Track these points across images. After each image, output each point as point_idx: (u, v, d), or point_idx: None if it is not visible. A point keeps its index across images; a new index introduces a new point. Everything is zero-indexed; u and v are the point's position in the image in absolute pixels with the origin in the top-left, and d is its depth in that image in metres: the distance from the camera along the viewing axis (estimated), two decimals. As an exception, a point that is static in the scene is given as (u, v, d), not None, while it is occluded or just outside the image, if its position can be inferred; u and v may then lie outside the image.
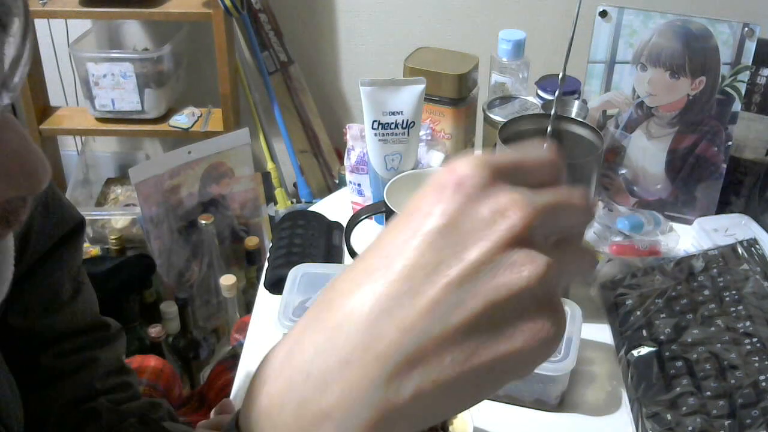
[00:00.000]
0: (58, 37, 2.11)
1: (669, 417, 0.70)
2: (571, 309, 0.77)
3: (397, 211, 0.83)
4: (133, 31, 2.19)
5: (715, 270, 0.84)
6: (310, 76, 2.23)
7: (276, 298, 0.89)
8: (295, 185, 2.25)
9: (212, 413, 0.81)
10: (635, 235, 0.96)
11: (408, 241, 0.32)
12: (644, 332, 0.80)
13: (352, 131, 1.01)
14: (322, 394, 0.32)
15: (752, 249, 0.85)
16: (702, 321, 0.78)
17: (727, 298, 0.80)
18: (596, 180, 0.82)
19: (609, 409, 0.77)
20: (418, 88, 0.90)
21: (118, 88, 1.97)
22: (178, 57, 2.07)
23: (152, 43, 2.18)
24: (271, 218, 1.95)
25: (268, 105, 2.16)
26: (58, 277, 0.67)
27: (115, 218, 1.92)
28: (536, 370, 0.35)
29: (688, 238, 0.98)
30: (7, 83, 0.32)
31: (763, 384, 0.69)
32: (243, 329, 1.15)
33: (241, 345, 1.05)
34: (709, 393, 0.71)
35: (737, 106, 0.93)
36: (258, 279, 1.22)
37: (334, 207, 1.08)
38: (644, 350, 0.78)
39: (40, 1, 1.87)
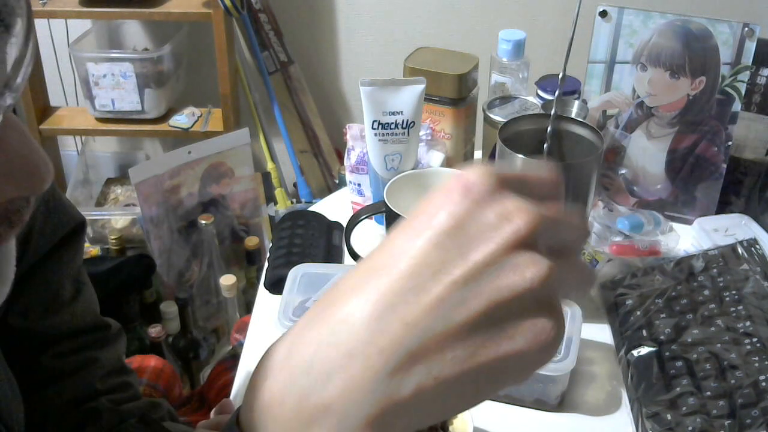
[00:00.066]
0: (58, 37, 2.11)
1: (669, 417, 0.70)
2: (571, 309, 0.77)
3: (397, 211, 0.84)
4: (133, 31, 2.19)
5: (715, 270, 0.84)
6: (310, 76, 2.23)
7: (276, 298, 0.89)
8: (295, 185, 2.25)
9: (212, 413, 0.81)
10: (635, 235, 0.96)
11: (414, 241, 0.33)
12: (644, 332, 0.80)
13: (352, 131, 1.01)
14: (323, 387, 0.33)
15: (752, 249, 0.85)
16: (702, 321, 0.78)
17: (727, 298, 0.80)
18: (596, 180, 0.82)
19: (609, 409, 0.77)
20: (418, 88, 0.90)
21: (118, 88, 1.97)
22: (178, 57, 2.07)
23: (152, 43, 2.18)
24: (271, 218, 1.96)
25: (268, 105, 2.16)
26: (58, 278, 0.67)
27: (115, 218, 1.92)
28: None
29: (688, 238, 0.98)
30: (10, 84, 0.32)
31: (763, 384, 0.69)
32: (243, 329, 1.15)
33: (241, 345, 1.05)
34: (709, 393, 0.71)
35: (737, 106, 0.93)
36: (258, 279, 1.22)
37: (334, 207, 1.08)
38: (644, 350, 0.78)
39: (40, 1, 1.87)
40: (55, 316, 0.68)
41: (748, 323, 0.76)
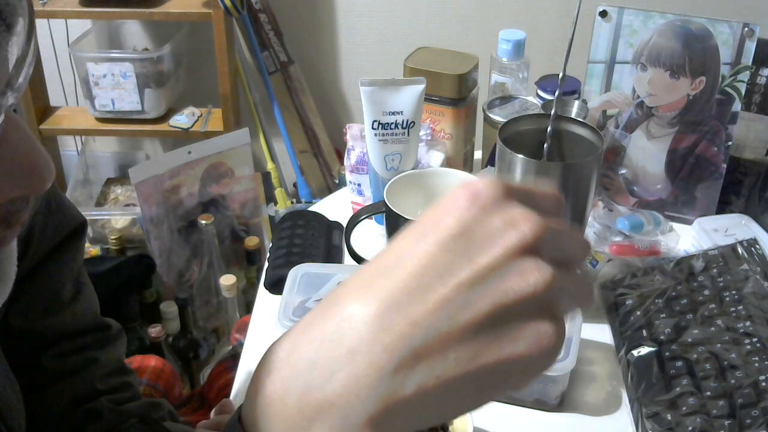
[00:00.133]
0: (58, 37, 2.11)
1: (669, 417, 0.70)
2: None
3: (397, 211, 0.84)
4: (133, 31, 2.19)
5: (715, 270, 0.84)
6: (310, 76, 2.23)
7: (276, 298, 0.90)
8: (295, 185, 2.25)
9: (212, 413, 0.81)
10: (635, 235, 0.96)
11: (421, 244, 0.34)
12: (644, 332, 0.80)
13: (352, 131, 1.02)
14: (326, 383, 0.33)
15: (752, 249, 0.85)
16: (702, 321, 0.78)
17: (727, 298, 0.80)
18: (596, 180, 0.82)
19: (609, 409, 0.77)
20: (418, 88, 0.90)
21: (118, 88, 1.97)
22: (178, 57, 2.07)
23: (152, 43, 2.18)
24: (271, 218, 1.96)
25: (268, 105, 2.16)
26: (59, 278, 0.68)
27: (115, 218, 1.92)
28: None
29: (688, 238, 0.98)
30: (12, 83, 0.32)
31: (763, 384, 0.69)
32: (243, 329, 1.15)
33: (241, 345, 1.05)
34: (709, 393, 0.71)
35: (737, 106, 0.93)
36: (258, 279, 1.22)
37: (334, 207, 1.08)
38: (644, 350, 0.78)
39: (41, 1, 1.87)
40: (55, 317, 0.68)
41: (748, 323, 0.76)
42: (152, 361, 1.15)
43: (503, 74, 1.10)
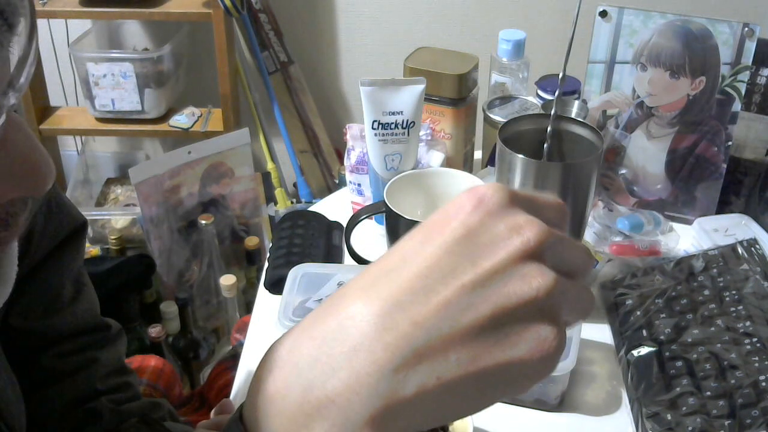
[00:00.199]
0: (58, 37, 2.11)
1: (669, 417, 0.70)
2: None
3: (398, 211, 0.84)
4: (133, 31, 2.19)
5: (715, 270, 0.84)
6: (310, 76, 2.23)
7: (276, 298, 0.89)
8: (295, 185, 2.25)
9: (212, 413, 0.81)
10: (635, 235, 0.96)
11: (426, 247, 0.34)
12: (644, 332, 0.80)
13: (352, 131, 1.02)
14: (327, 380, 0.33)
15: (752, 249, 0.85)
16: (702, 321, 0.78)
17: (727, 298, 0.80)
18: (596, 180, 0.82)
19: (609, 409, 0.77)
20: (418, 88, 0.90)
21: (118, 88, 1.97)
22: (178, 57, 2.07)
23: (152, 43, 2.18)
24: (271, 218, 1.96)
25: (268, 105, 2.16)
26: (59, 279, 0.68)
27: (115, 218, 1.92)
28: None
29: (688, 238, 0.98)
30: (14, 83, 0.32)
31: (763, 384, 0.69)
32: (243, 329, 1.15)
33: (241, 345, 1.05)
34: (709, 393, 0.71)
35: (737, 106, 0.93)
36: (258, 279, 1.22)
37: (334, 207, 1.08)
38: (644, 350, 0.78)
39: (41, 1, 1.87)
40: (55, 317, 0.68)
41: (748, 323, 0.76)
42: (152, 361, 1.15)
43: (503, 74, 1.10)
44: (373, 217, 0.98)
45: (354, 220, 0.89)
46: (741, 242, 0.87)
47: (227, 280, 1.58)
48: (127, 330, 0.82)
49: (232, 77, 2.03)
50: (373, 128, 0.91)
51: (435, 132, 1.03)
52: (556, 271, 0.34)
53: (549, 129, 0.83)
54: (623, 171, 1.02)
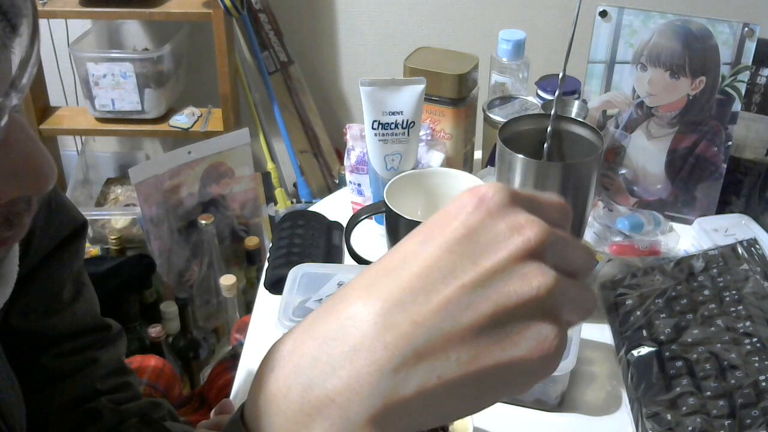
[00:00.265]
0: (58, 37, 2.11)
1: (669, 417, 0.70)
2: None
3: (398, 211, 0.84)
4: (133, 31, 2.19)
5: (715, 270, 0.84)
6: (310, 76, 2.23)
7: (276, 298, 0.90)
8: (295, 185, 2.25)
9: (212, 413, 0.81)
10: (635, 235, 0.96)
11: (426, 246, 0.34)
12: (644, 332, 0.80)
13: (352, 131, 1.02)
14: (328, 379, 0.33)
15: (752, 249, 0.85)
16: (702, 321, 0.78)
17: (727, 298, 0.80)
18: (596, 180, 0.82)
19: (609, 409, 0.77)
20: (418, 88, 0.90)
21: (118, 88, 1.97)
22: (178, 57, 2.07)
23: (152, 43, 2.18)
24: (271, 218, 1.96)
25: (268, 105, 2.16)
26: (59, 279, 0.68)
27: (115, 218, 1.92)
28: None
29: (688, 238, 0.98)
30: (16, 84, 0.32)
31: (763, 384, 0.69)
32: (243, 329, 1.15)
33: (241, 345, 1.05)
34: (709, 393, 0.71)
35: (737, 106, 0.93)
36: (258, 279, 1.22)
37: (334, 207, 1.08)
38: (644, 350, 0.78)
39: (41, 1, 1.87)
40: (55, 317, 0.68)
41: (748, 323, 0.76)
42: (152, 361, 1.15)
43: (503, 74, 1.10)
44: (373, 217, 0.98)
45: (354, 220, 0.89)
46: (741, 242, 0.87)
47: (227, 280, 1.58)
48: (127, 330, 0.82)
49: (232, 77, 2.04)
50: (373, 128, 0.91)
51: (435, 132, 1.03)
52: (558, 270, 0.34)
53: (549, 129, 0.83)
54: (623, 171, 1.02)
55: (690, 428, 0.68)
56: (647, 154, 1.00)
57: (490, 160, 1.06)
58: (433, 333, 0.32)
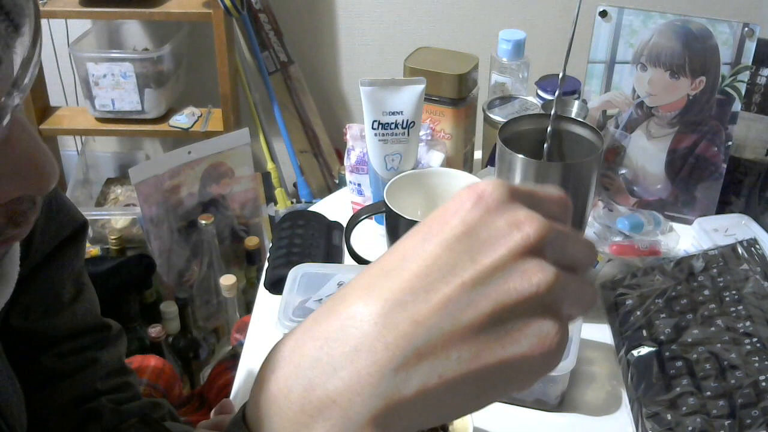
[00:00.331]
0: (58, 37, 2.11)
1: (669, 417, 0.70)
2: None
3: (397, 211, 0.84)
4: (133, 31, 2.19)
5: (715, 270, 0.84)
6: (310, 76, 2.23)
7: (276, 298, 0.90)
8: (295, 185, 2.25)
9: (212, 413, 0.81)
10: (635, 235, 0.96)
11: (426, 244, 0.34)
12: (644, 332, 0.80)
13: (352, 131, 1.02)
14: (329, 380, 0.33)
15: (752, 249, 0.85)
16: (702, 321, 0.78)
17: (727, 298, 0.80)
18: (596, 180, 0.82)
19: (609, 409, 0.77)
20: (418, 88, 0.90)
21: (118, 88, 1.97)
22: (178, 57, 2.07)
23: (152, 43, 2.18)
24: (271, 218, 1.96)
25: (268, 105, 2.16)
26: (59, 279, 0.68)
27: (115, 218, 1.92)
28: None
29: (688, 238, 0.98)
30: (18, 83, 0.33)
31: (763, 384, 0.69)
32: (243, 329, 1.15)
33: (241, 345, 1.05)
34: (709, 393, 0.71)
35: (737, 106, 0.93)
36: (258, 279, 1.22)
37: (334, 207, 1.08)
38: (644, 350, 0.78)
39: (41, 1, 1.87)
40: (55, 317, 0.68)
41: (748, 323, 0.76)
42: (152, 361, 1.15)
43: (503, 74, 1.10)
44: (373, 217, 0.98)
45: (354, 220, 0.89)
46: (741, 242, 0.87)
47: (227, 280, 1.58)
48: (127, 330, 0.82)
49: (232, 77, 2.04)
50: (373, 128, 0.91)
51: (435, 132, 1.03)
52: (558, 265, 0.34)
53: (549, 129, 0.83)
54: (623, 171, 1.02)
55: (690, 428, 0.68)
56: (647, 154, 1.00)
57: (490, 160, 1.06)
58: (434, 332, 0.32)
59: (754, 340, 0.74)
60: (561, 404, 0.76)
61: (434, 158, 1.02)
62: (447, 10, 2.16)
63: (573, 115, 0.93)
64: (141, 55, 2.01)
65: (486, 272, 0.33)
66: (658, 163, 1.00)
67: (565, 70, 0.80)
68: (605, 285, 0.89)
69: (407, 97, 0.90)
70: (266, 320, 0.89)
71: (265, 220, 1.90)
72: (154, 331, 1.52)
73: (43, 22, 2.03)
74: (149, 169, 1.61)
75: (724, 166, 0.97)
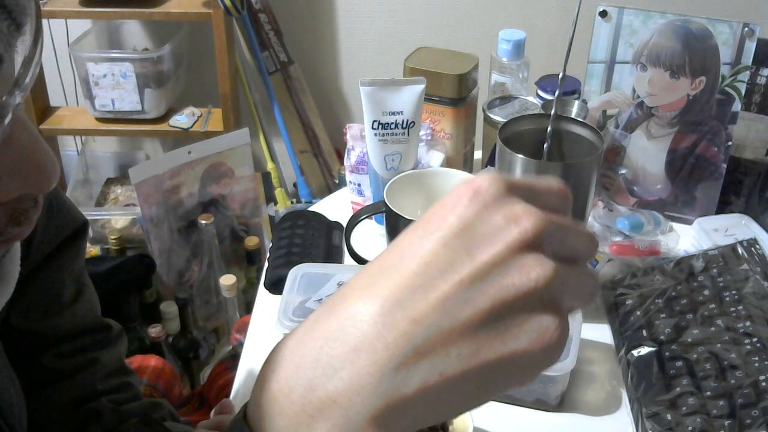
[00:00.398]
0: (58, 37, 2.11)
1: (669, 417, 0.70)
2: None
3: (398, 211, 0.84)
4: (133, 31, 2.19)
5: (715, 270, 0.84)
6: (310, 76, 2.23)
7: (276, 298, 0.90)
8: (295, 185, 2.25)
9: (212, 413, 0.81)
10: (635, 235, 0.96)
11: (423, 242, 0.34)
12: (644, 332, 0.80)
13: (352, 131, 1.02)
14: (329, 380, 0.33)
15: (752, 249, 0.85)
16: (702, 321, 0.78)
17: (727, 298, 0.80)
18: (596, 180, 0.82)
19: (609, 409, 0.77)
20: (418, 88, 0.90)
21: (118, 88, 1.97)
22: (178, 57, 2.07)
23: (152, 43, 2.18)
24: (271, 218, 1.96)
25: (268, 105, 2.16)
26: (60, 279, 0.68)
27: (115, 218, 1.92)
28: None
29: (688, 238, 0.98)
30: (20, 83, 0.33)
31: (763, 384, 0.69)
32: (243, 329, 1.15)
33: (241, 345, 1.05)
34: (709, 393, 0.71)
35: (737, 106, 0.93)
36: (258, 279, 1.22)
37: (334, 207, 1.08)
38: (644, 350, 0.78)
39: (41, 1, 1.87)
40: (56, 317, 0.68)
41: (748, 323, 0.76)
42: (152, 361, 1.15)
43: (503, 74, 1.10)
44: (373, 217, 0.98)
45: (354, 220, 0.89)
46: (741, 242, 0.87)
47: (227, 280, 1.58)
48: (127, 330, 0.82)
49: (232, 77, 2.04)
50: (373, 128, 0.91)
51: (435, 132, 1.03)
52: (557, 258, 0.34)
53: (549, 129, 0.83)
54: (623, 171, 1.02)
55: (690, 428, 0.68)
56: (647, 154, 1.00)
57: (490, 160, 1.06)
58: (433, 330, 0.32)
59: (754, 340, 0.74)
60: (561, 404, 0.76)
61: (434, 158, 1.02)
62: (447, 10, 2.16)
63: (573, 115, 0.93)
64: (141, 55, 2.01)
65: (484, 268, 0.33)
66: (658, 163, 1.00)
67: (565, 70, 0.80)
68: (605, 285, 0.89)
69: (407, 97, 0.90)
70: (266, 320, 0.89)
71: (265, 220, 1.90)
72: (154, 331, 1.52)
73: (44, 22, 2.03)
74: (149, 169, 1.61)
75: (724, 166, 0.97)
